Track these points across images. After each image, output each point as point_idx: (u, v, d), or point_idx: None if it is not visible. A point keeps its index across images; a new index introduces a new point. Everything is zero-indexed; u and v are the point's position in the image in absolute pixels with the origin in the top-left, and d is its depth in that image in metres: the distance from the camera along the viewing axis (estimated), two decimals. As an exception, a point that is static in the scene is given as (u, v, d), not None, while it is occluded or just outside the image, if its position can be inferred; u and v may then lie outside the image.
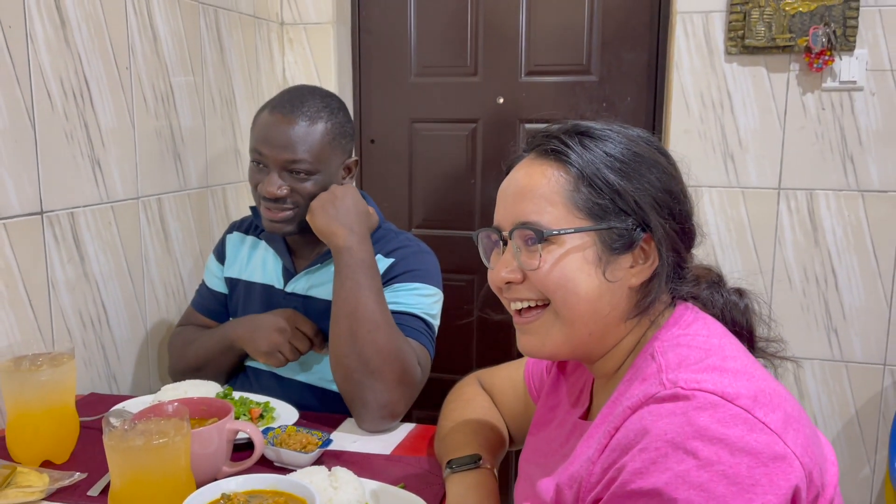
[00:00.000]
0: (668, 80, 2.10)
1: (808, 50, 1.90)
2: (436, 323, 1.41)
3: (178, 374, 1.49)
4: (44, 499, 1.03)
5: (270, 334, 1.35)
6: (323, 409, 1.40)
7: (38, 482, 1.05)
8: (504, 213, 0.87)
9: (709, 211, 2.05)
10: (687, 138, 2.04)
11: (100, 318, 1.53)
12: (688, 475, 0.68)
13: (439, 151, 2.37)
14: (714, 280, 0.92)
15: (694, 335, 0.81)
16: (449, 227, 2.37)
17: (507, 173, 0.89)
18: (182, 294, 1.80)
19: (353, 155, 1.48)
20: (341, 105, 1.43)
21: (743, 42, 1.95)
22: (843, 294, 2.01)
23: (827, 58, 1.89)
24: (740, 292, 0.92)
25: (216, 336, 1.45)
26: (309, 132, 1.34)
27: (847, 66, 1.90)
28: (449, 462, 1.03)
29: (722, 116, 2.02)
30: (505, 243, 0.87)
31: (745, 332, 0.90)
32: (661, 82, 2.15)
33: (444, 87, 2.34)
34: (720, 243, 2.05)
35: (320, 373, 1.44)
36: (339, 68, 2.29)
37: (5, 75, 1.26)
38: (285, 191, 1.35)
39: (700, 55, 2.01)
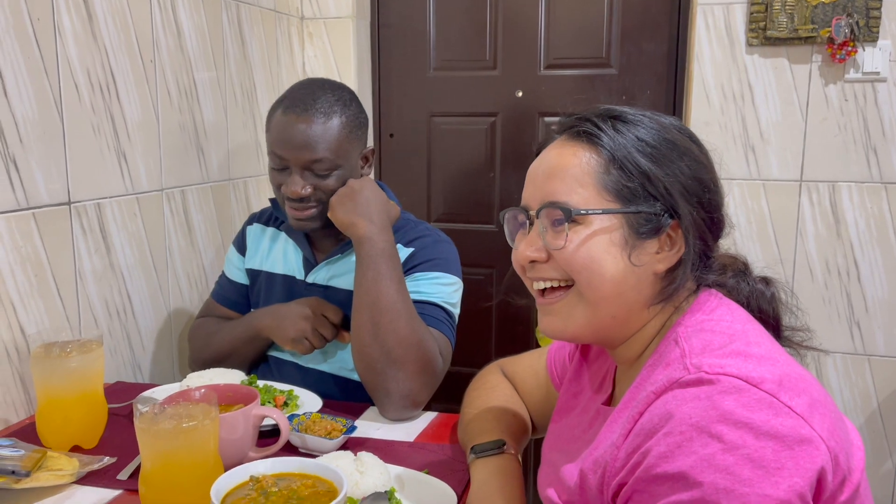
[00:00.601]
0: (688, 72, 2.09)
1: (830, 41, 1.89)
2: (456, 312, 1.41)
3: (201, 365, 1.50)
4: (74, 482, 1.04)
5: (297, 322, 1.36)
6: (345, 399, 1.41)
7: (68, 466, 1.07)
8: (532, 193, 0.87)
9: (730, 204, 2.04)
10: (707, 130, 2.03)
11: (125, 307, 1.55)
12: (713, 458, 0.68)
13: (458, 145, 2.38)
14: (740, 269, 0.91)
15: (718, 320, 0.81)
16: (468, 220, 2.37)
17: (538, 154, 0.90)
18: (205, 285, 1.82)
19: (369, 144, 1.48)
20: (352, 96, 1.43)
21: (765, 33, 1.94)
22: (865, 287, 2.00)
23: (850, 49, 1.87)
24: (767, 281, 0.92)
25: (241, 325, 1.47)
26: (326, 129, 1.34)
27: (870, 57, 1.89)
28: (473, 447, 1.04)
29: (743, 108, 2.01)
30: (532, 223, 0.87)
31: (771, 320, 0.90)
32: (682, 74, 2.15)
33: (463, 80, 2.34)
34: (741, 236, 2.04)
35: (342, 362, 1.45)
36: (358, 62, 2.30)
37: (34, 68, 1.28)
38: (309, 190, 1.36)
39: (721, 47, 2.00)
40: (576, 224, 0.82)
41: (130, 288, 1.56)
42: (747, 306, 0.88)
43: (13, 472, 0.99)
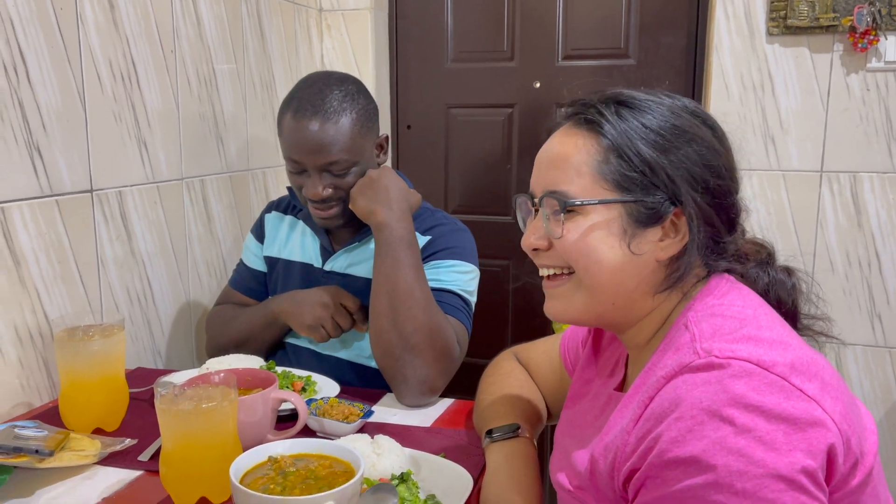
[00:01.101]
0: (707, 62, 2.08)
1: (852, 30, 1.87)
2: (473, 300, 1.42)
3: (218, 351, 1.52)
4: (96, 462, 1.06)
5: (314, 308, 1.37)
6: (362, 386, 1.42)
7: (90, 447, 1.09)
8: (536, 180, 0.88)
9: (748, 195, 2.03)
10: (726, 121, 2.00)
11: (146, 294, 1.57)
12: (725, 441, 0.68)
13: (475, 137, 2.38)
14: (763, 257, 0.90)
15: (728, 305, 0.81)
16: (484, 212, 2.38)
17: (547, 138, 0.90)
18: (223, 273, 1.84)
19: (381, 131, 1.48)
20: (359, 87, 1.42)
21: (785, 22, 1.92)
22: (886, 278, 1.98)
23: (872, 38, 1.85)
24: (789, 271, 0.91)
25: (260, 311, 1.48)
26: (338, 130, 1.34)
27: (892, 46, 1.86)
28: (488, 431, 1.04)
29: (763, 99, 1.99)
30: (537, 210, 0.87)
31: (789, 309, 0.89)
32: (700, 64, 2.13)
33: (481, 72, 2.34)
34: (760, 227, 2.03)
35: (359, 349, 1.46)
36: (376, 54, 2.31)
37: (57, 56, 1.30)
38: (329, 191, 1.37)
39: (741, 36, 1.98)
40: (573, 214, 0.83)
41: (151, 275, 1.58)
42: (765, 295, 0.88)
43: (37, 452, 1.01)
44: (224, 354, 1.42)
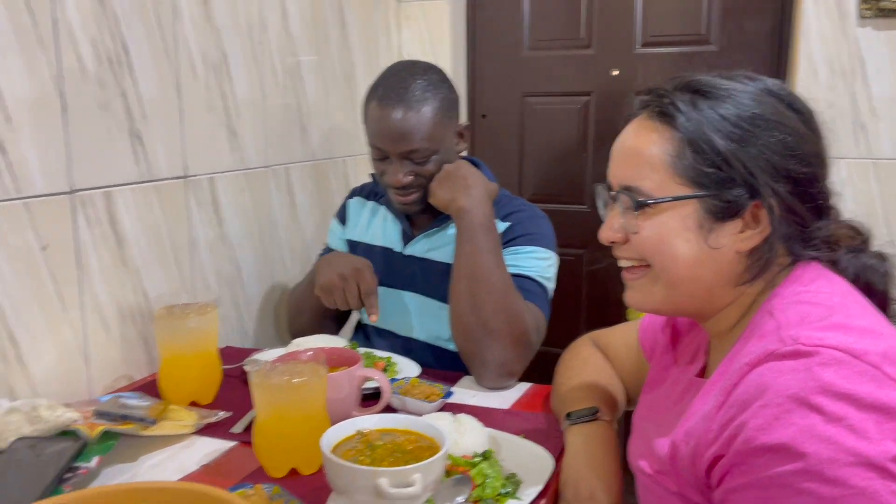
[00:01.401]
0: (793, 48, 2.01)
1: (952, 11, 1.78)
2: (551, 286, 1.43)
3: (292, 325, 1.59)
4: (193, 433, 1.12)
5: (333, 274, 1.37)
6: (440, 368, 1.45)
7: (188, 418, 1.15)
8: (613, 172, 0.88)
9: (835, 183, 1.96)
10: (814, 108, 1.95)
11: (235, 276, 1.64)
12: (814, 429, 0.67)
13: (551, 125, 2.37)
14: (856, 243, 0.88)
15: (816, 292, 0.79)
16: (559, 201, 2.37)
17: (625, 126, 0.89)
18: (306, 259, 1.90)
19: (462, 120, 1.50)
20: (442, 76, 1.45)
21: (878, 4, 1.85)
22: None
23: (974, 19, 1.76)
24: (882, 256, 0.88)
25: (310, 274, 1.55)
26: (420, 118, 1.37)
27: None
28: (568, 414, 1.05)
29: (853, 84, 1.92)
30: (615, 200, 0.88)
31: (880, 295, 0.87)
32: (786, 51, 2.07)
33: (557, 60, 2.34)
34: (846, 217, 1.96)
35: (438, 332, 1.49)
36: (453, 44, 2.33)
37: (155, 48, 1.37)
38: (410, 178, 1.40)
39: (830, 20, 1.92)
40: (648, 209, 0.82)
41: (240, 258, 1.65)
42: (855, 281, 0.85)
43: (142, 420, 1.08)
44: (299, 335, 1.47)
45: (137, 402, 1.15)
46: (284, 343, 1.58)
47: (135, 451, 1.06)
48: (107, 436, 1.02)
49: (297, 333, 1.56)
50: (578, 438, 1.01)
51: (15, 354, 1.14)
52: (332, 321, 1.59)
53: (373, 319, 1.36)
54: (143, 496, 0.73)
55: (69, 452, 0.94)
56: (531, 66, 2.37)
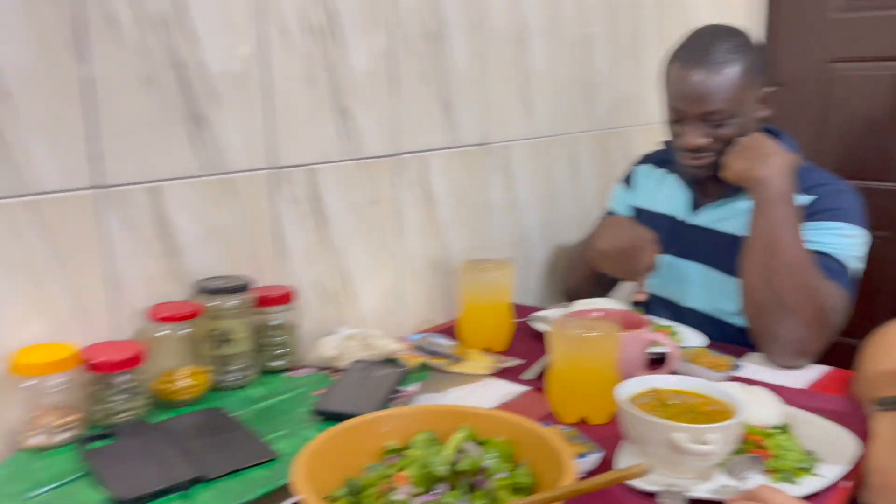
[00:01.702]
0: None
1: None
2: (857, 267, 1.33)
3: (567, 281, 1.67)
4: (490, 375, 1.24)
5: (614, 242, 1.40)
6: (722, 341, 1.42)
7: (485, 361, 1.27)
8: None
9: None
10: None
11: (521, 238, 1.75)
12: None
13: (861, 94, 2.16)
14: None
15: None
16: (866, 177, 2.16)
17: None
18: (584, 225, 1.95)
19: (766, 86, 1.44)
20: (747, 41, 1.40)
21: None
22: None
23: None
24: None
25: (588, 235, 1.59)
26: (722, 80, 1.34)
27: None
28: (880, 400, 0.99)
29: None
30: None
31: None
32: None
33: (871, 21, 2.11)
34: None
35: (720, 304, 1.46)
36: (748, 7, 2.21)
37: (474, 24, 1.50)
38: (704, 140, 1.39)
39: None
40: None
41: (526, 221, 1.76)
42: None
43: (450, 357, 1.22)
44: (568, 286, 1.55)
45: (444, 342, 1.30)
46: (562, 303, 1.65)
47: (442, 384, 1.20)
48: (422, 367, 1.17)
49: (569, 290, 1.64)
50: (892, 425, 0.95)
51: (350, 292, 1.35)
52: (602, 282, 1.62)
53: (639, 298, 1.38)
54: (464, 418, 0.84)
55: (395, 377, 1.10)
56: (840, 29, 2.17)
